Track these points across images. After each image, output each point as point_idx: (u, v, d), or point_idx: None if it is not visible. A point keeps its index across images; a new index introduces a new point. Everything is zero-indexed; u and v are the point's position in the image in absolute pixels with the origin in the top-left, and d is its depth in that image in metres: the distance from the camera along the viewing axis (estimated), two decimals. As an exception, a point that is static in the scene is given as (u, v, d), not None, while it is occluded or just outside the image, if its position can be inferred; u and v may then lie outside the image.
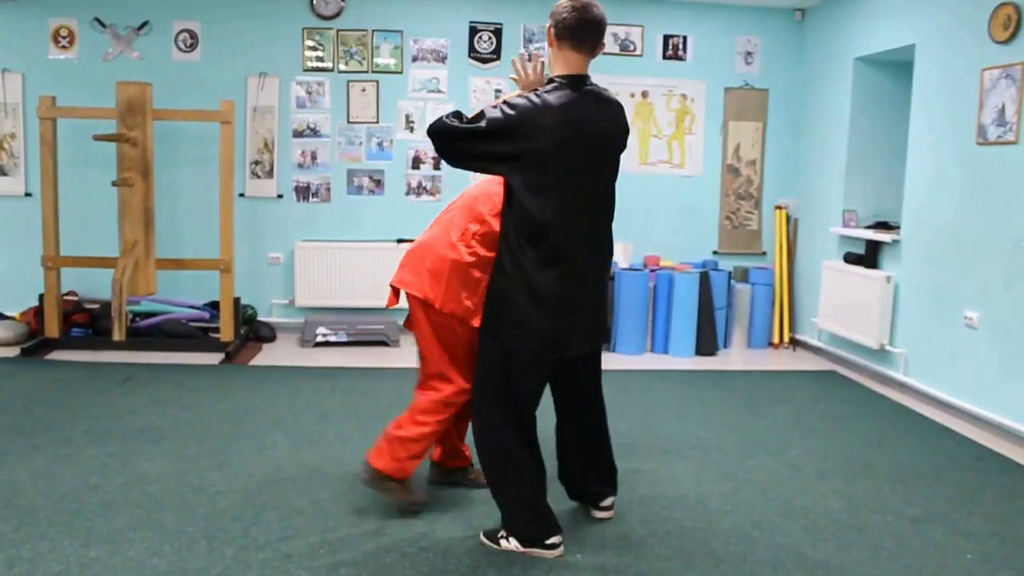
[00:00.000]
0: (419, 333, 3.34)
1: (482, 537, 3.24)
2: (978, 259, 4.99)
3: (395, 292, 3.43)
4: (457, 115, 2.90)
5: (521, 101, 2.84)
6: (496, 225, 3.13)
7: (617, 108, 3.06)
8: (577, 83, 2.92)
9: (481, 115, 2.85)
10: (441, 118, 2.90)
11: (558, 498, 3.44)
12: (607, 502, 3.48)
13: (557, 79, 2.93)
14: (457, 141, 2.88)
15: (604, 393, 3.47)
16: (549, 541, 3.13)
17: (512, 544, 3.15)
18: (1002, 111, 4.79)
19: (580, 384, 3.38)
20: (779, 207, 7.27)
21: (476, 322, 3.19)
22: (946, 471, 4.20)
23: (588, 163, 2.92)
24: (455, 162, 2.97)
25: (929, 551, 3.28)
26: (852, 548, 3.28)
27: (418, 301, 3.28)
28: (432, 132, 2.92)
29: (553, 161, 2.84)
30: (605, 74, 6.93)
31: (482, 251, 3.21)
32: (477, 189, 3.40)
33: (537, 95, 2.85)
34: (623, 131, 3.07)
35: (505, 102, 2.87)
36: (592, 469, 3.47)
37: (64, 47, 6.67)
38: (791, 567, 3.11)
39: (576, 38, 2.89)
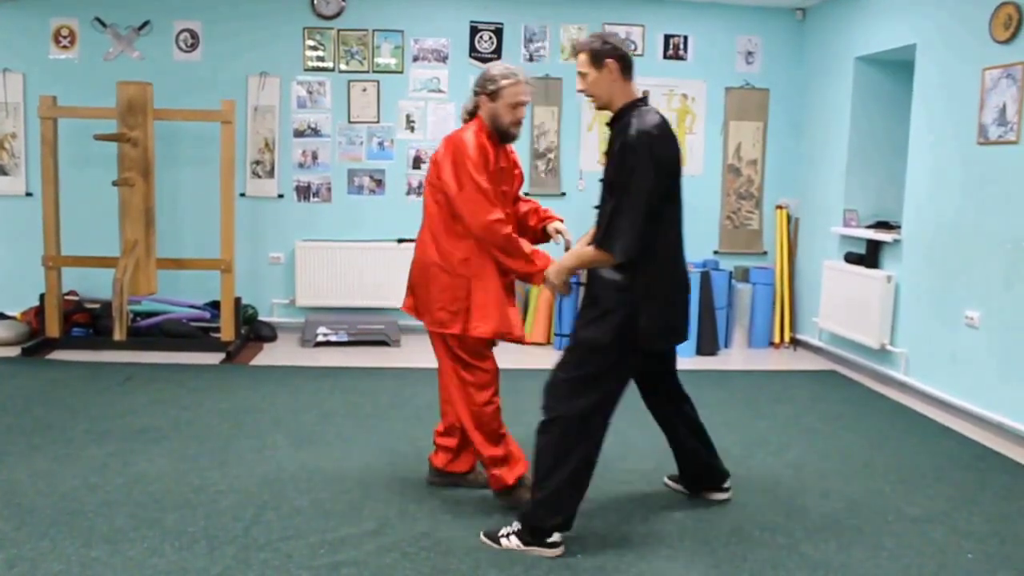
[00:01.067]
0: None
1: (482, 537, 3.23)
2: (979, 259, 4.98)
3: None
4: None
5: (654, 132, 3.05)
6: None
7: None
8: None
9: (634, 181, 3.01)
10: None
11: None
12: (729, 483, 3.72)
13: (641, 103, 3.18)
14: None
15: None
16: (551, 540, 3.13)
17: (513, 543, 3.15)
18: (1003, 111, 4.79)
19: (670, 372, 3.57)
20: (780, 207, 7.27)
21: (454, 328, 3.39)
22: (947, 471, 4.20)
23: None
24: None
25: (929, 551, 3.28)
26: (853, 548, 3.28)
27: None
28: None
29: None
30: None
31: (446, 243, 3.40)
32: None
33: (656, 126, 3.07)
34: None
35: (642, 134, 3.02)
36: (709, 442, 3.67)
37: (65, 47, 6.67)
38: (792, 567, 3.11)
39: (632, 70, 3.25)
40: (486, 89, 3.40)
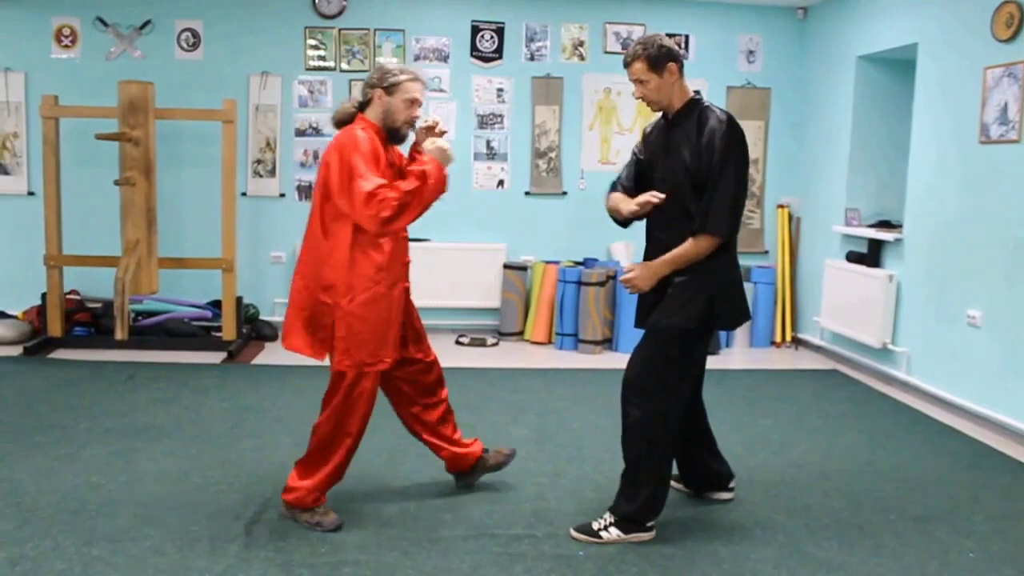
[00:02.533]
0: None
1: (575, 534, 3.26)
2: (980, 257, 4.98)
3: None
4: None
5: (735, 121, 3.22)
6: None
7: None
8: None
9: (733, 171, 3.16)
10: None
11: (544, 495, 3.44)
12: (734, 483, 3.73)
13: (700, 99, 3.30)
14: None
15: (607, 393, 3.49)
16: (650, 523, 3.25)
17: (614, 534, 3.22)
18: (1004, 109, 4.78)
19: (703, 363, 3.58)
20: (781, 206, 7.27)
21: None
22: (948, 470, 4.20)
23: None
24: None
25: (932, 550, 3.28)
26: (855, 547, 3.28)
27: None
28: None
29: None
30: (609, 73, 6.94)
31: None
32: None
33: (732, 116, 3.22)
34: None
35: (733, 127, 3.19)
36: (715, 448, 3.69)
37: (67, 46, 6.67)
38: (794, 566, 3.11)
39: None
40: (383, 82, 3.22)
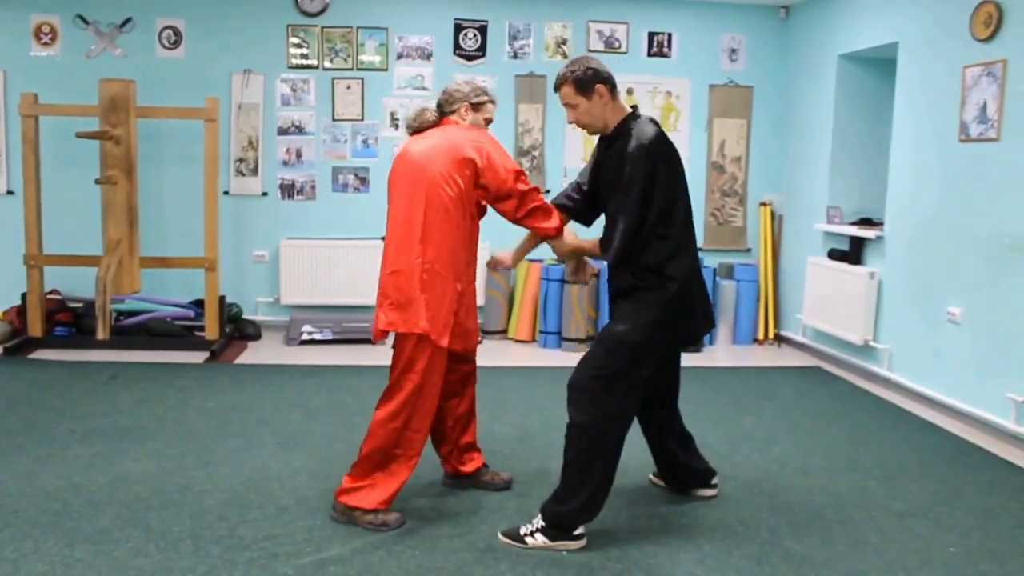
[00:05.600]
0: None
1: (502, 538, 3.22)
2: (961, 255, 5.02)
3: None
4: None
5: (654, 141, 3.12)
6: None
7: None
8: None
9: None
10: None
11: (528, 493, 3.44)
12: (716, 480, 3.74)
13: (632, 117, 3.22)
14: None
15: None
16: (577, 532, 3.19)
17: (539, 541, 3.16)
18: (984, 108, 4.82)
19: (675, 370, 3.59)
20: (764, 204, 7.30)
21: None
22: (930, 466, 4.23)
23: None
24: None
25: (913, 545, 3.31)
26: (837, 543, 3.31)
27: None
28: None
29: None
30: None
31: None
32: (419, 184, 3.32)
33: (655, 135, 3.12)
34: None
35: (641, 147, 3.10)
36: (694, 448, 3.70)
37: (46, 44, 6.62)
38: (776, 561, 3.12)
39: (616, 87, 3.26)
40: (471, 98, 3.46)
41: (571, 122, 3.26)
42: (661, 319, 3.16)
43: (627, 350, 3.15)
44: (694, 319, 3.28)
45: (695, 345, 3.39)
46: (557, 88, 3.23)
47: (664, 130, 3.20)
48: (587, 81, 3.15)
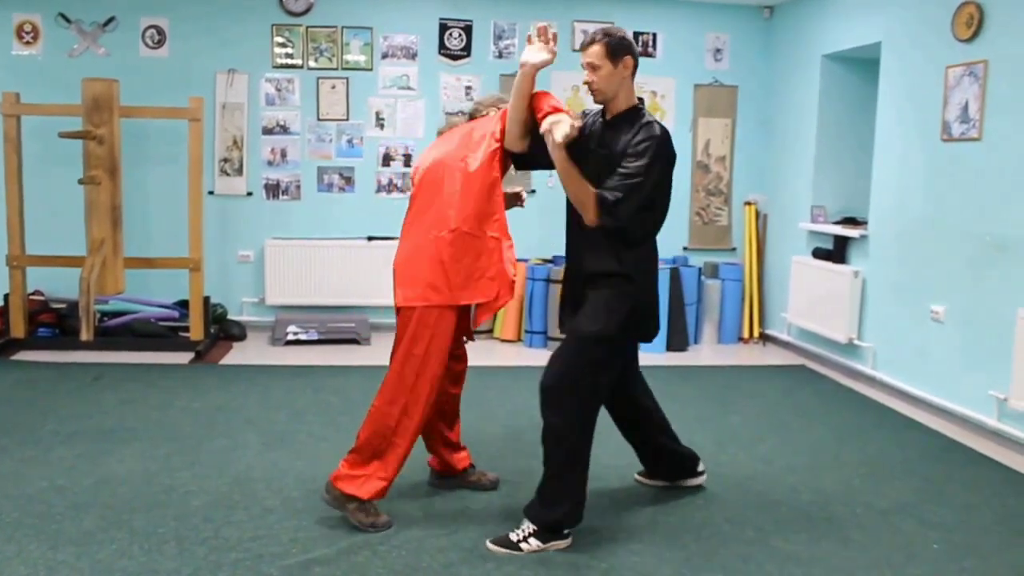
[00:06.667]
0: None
1: (492, 546, 3.17)
2: (943, 254, 5.05)
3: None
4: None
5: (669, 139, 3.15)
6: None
7: None
8: None
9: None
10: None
11: (514, 493, 3.44)
12: (703, 466, 3.80)
13: (645, 110, 3.22)
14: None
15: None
16: (568, 530, 3.20)
17: (534, 545, 3.14)
18: (965, 108, 4.85)
19: (635, 368, 3.64)
20: (748, 203, 7.33)
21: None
22: (914, 463, 4.26)
23: None
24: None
25: (898, 542, 3.33)
26: (822, 540, 3.32)
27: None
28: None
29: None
30: (577, 71, 6.90)
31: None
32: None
33: (661, 126, 3.15)
34: None
35: (666, 138, 3.13)
36: (673, 434, 3.73)
37: (28, 43, 6.57)
38: (762, 560, 3.14)
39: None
40: (499, 104, 3.55)
41: (586, 83, 3.18)
42: (628, 319, 3.18)
43: (600, 349, 3.16)
44: (655, 319, 3.34)
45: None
46: (586, 45, 3.15)
47: None
48: (620, 48, 3.12)
